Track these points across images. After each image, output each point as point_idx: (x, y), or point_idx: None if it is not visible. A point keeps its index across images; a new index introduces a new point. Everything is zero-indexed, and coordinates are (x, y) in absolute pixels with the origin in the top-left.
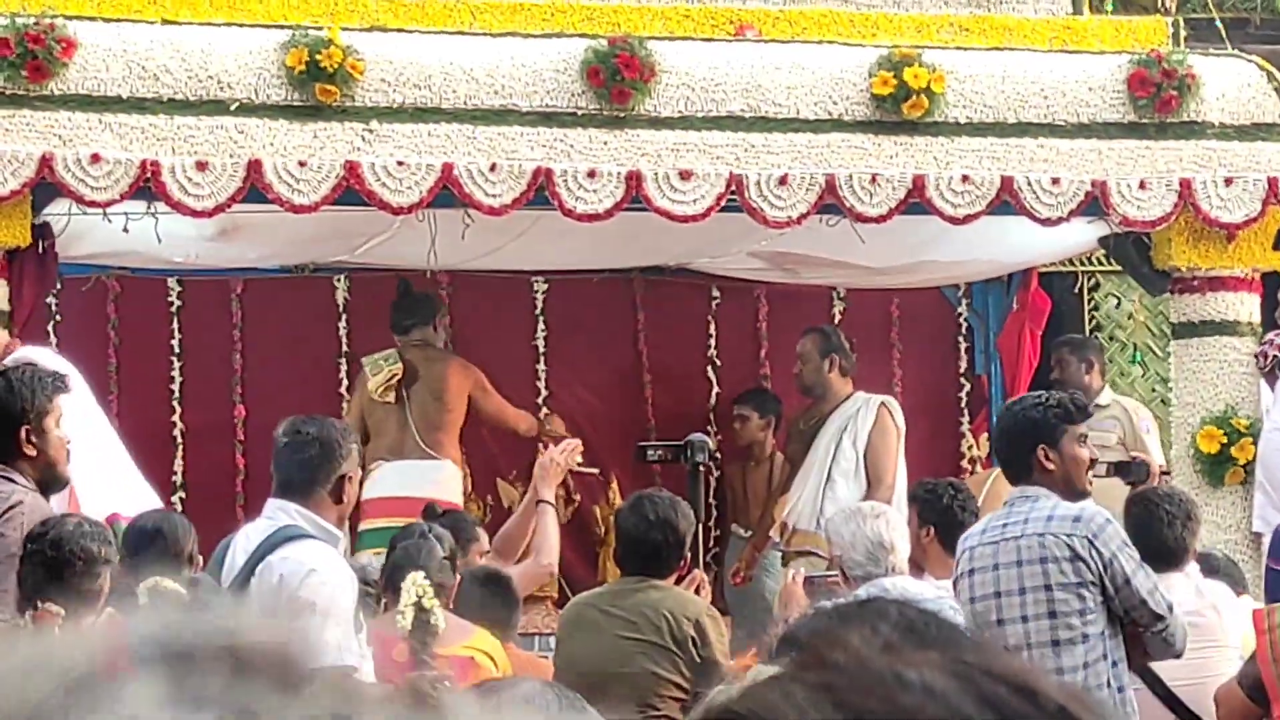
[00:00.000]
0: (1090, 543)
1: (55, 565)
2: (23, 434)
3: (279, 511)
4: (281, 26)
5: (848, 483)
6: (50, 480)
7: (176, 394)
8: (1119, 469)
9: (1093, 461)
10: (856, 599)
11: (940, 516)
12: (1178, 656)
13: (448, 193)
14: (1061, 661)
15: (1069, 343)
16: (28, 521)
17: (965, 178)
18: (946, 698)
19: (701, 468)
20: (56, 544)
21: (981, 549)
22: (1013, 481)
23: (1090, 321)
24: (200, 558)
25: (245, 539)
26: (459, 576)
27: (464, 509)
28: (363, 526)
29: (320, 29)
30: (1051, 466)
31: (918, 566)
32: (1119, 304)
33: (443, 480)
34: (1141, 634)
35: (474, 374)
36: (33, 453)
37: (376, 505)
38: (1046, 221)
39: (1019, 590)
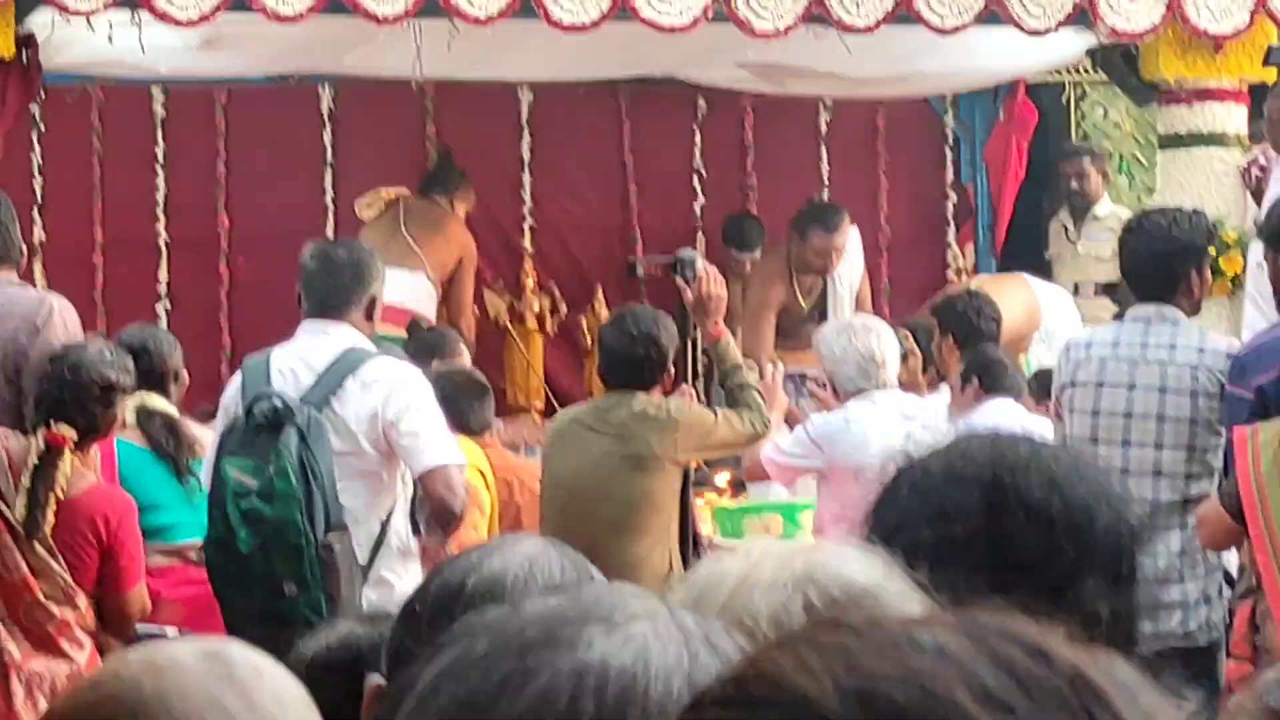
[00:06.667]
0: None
1: (73, 388)
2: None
3: (333, 329)
4: None
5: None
6: None
7: (161, 204)
8: (1107, 290)
9: (1076, 286)
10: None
11: (958, 323)
12: None
13: (433, 3)
14: (1190, 491)
15: (1090, 152)
16: (58, 321)
17: None
18: (960, 660)
19: (691, 282)
20: (76, 368)
21: (1116, 364)
22: (1145, 299)
23: (1077, 132)
24: (185, 373)
25: (295, 358)
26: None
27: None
28: None
29: None
30: (1196, 290)
31: (939, 375)
32: (1106, 114)
33: (419, 290)
34: None
35: (473, 248)
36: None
37: None
38: (1034, 32)
39: (1157, 417)
